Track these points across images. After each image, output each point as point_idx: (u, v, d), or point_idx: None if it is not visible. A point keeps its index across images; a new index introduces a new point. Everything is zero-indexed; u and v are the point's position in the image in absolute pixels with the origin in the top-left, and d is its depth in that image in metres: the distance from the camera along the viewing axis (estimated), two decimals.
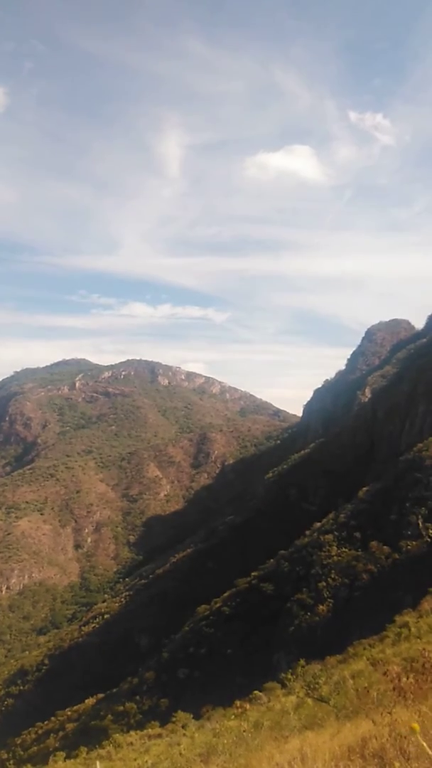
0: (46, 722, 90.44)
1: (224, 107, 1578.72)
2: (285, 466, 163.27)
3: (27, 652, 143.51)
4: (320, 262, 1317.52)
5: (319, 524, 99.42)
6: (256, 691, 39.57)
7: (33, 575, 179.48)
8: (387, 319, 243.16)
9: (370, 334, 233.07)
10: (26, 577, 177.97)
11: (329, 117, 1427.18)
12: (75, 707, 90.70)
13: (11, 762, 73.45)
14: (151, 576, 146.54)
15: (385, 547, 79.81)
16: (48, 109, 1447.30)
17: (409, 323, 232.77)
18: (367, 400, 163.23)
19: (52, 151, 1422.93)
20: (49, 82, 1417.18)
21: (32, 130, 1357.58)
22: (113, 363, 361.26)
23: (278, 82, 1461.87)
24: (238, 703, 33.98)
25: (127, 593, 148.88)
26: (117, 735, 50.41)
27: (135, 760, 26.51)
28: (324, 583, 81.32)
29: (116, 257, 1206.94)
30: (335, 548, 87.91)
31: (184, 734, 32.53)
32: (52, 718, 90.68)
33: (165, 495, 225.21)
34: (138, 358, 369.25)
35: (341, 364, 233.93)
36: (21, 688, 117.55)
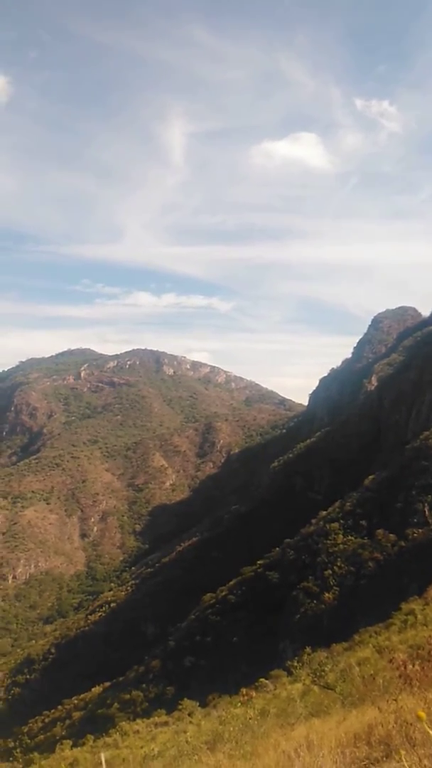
0: (52, 711, 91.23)
1: (228, 95, 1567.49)
2: (290, 456, 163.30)
3: (33, 641, 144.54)
4: (326, 249, 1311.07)
5: (324, 513, 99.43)
6: (262, 679, 39.56)
7: (39, 564, 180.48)
8: (393, 307, 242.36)
9: (376, 322, 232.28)
10: (32, 566, 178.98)
11: (334, 104, 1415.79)
12: (81, 696, 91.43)
13: (18, 750, 73.87)
14: (156, 565, 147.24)
15: (391, 535, 79.77)
16: (51, 98, 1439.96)
17: (415, 311, 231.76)
18: (373, 388, 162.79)
19: (55, 141, 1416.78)
20: (52, 72, 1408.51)
21: (35, 119, 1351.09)
22: (118, 353, 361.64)
23: (283, 70, 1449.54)
24: (244, 690, 33.88)
25: (133, 582, 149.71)
26: (123, 723, 50.57)
27: (141, 747, 26.44)
28: (330, 571, 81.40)
29: (120, 246, 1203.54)
30: (341, 536, 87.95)
31: (191, 722, 32.53)
32: (59, 707, 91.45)
33: (170, 484, 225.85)
34: (143, 348, 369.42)
35: (347, 353, 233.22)
36: (28, 677, 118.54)
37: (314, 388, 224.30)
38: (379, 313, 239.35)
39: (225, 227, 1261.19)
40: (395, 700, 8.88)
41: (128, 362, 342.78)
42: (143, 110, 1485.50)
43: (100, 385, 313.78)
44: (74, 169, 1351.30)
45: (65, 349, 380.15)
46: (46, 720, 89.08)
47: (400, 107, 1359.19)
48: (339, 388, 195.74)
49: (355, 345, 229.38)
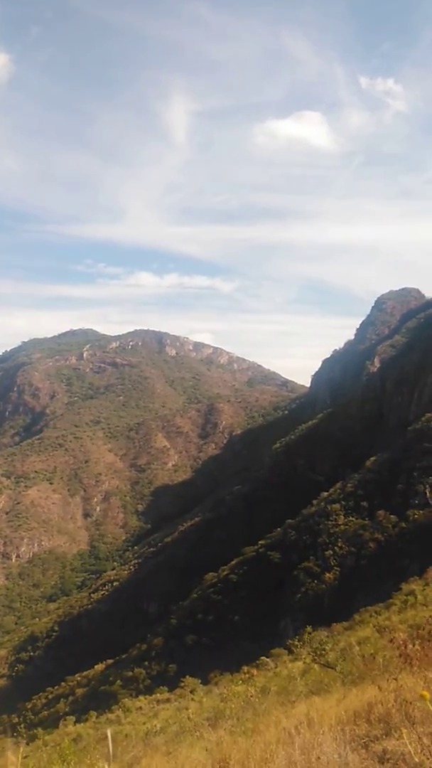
0: (56, 687, 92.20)
1: (232, 73, 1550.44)
2: (292, 437, 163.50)
3: (37, 619, 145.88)
4: (329, 230, 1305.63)
5: (326, 494, 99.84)
6: (263, 657, 39.96)
7: (43, 543, 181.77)
8: (397, 288, 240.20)
9: (379, 303, 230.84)
10: (36, 545, 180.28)
11: (339, 82, 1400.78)
12: (85, 673, 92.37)
13: (22, 726, 75.01)
14: (159, 544, 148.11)
15: (392, 516, 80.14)
16: (53, 77, 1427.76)
17: (419, 292, 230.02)
18: (375, 370, 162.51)
19: (57, 120, 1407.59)
20: (55, 50, 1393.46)
21: (38, 98, 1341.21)
22: (121, 333, 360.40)
23: (287, 47, 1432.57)
24: (245, 668, 34.31)
25: (135, 561, 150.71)
26: (126, 700, 51.24)
27: (144, 724, 26.82)
28: (331, 552, 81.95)
29: (122, 226, 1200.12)
30: (342, 517, 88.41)
31: (192, 699, 32.91)
32: (63, 684, 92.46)
33: (173, 465, 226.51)
34: (145, 329, 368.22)
35: (350, 334, 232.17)
36: (31, 654, 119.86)
37: (317, 370, 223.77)
38: (383, 295, 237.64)
39: (228, 207, 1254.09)
40: (395, 679, 8.94)
41: (131, 343, 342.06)
42: (145, 89, 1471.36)
43: (103, 365, 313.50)
44: (76, 148, 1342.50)
45: (68, 330, 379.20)
46: (50, 696, 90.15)
47: (406, 85, 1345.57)
48: (341, 369, 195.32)
49: (358, 326, 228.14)
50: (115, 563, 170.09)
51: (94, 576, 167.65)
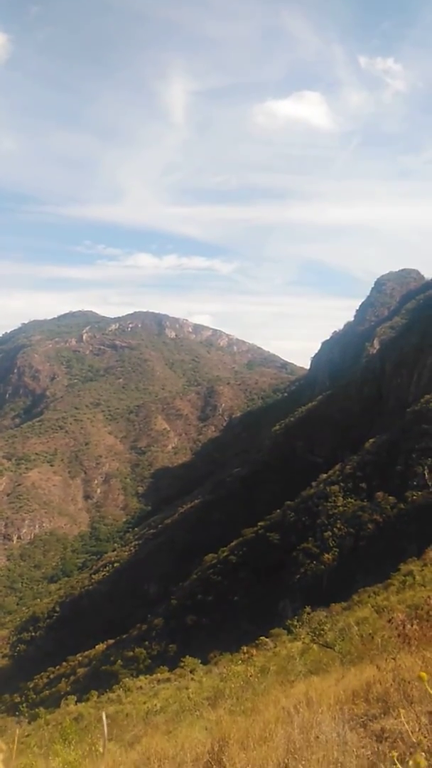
0: (57, 667, 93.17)
1: (231, 52, 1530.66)
2: (292, 419, 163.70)
3: (38, 600, 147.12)
4: (329, 211, 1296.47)
5: (325, 476, 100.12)
6: (262, 637, 40.30)
7: (44, 525, 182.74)
8: (397, 269, 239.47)
9: (379, 285, 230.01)
10: (37, 526, 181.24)
11: (338, 62, 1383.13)
12: (86, 653, 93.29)
13: (24, 705, 75.72)
14: (159, 526, 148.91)
15: (390, 497, 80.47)
16: (51, 56, 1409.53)
17: (419, 273, 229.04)
18: (375, 351, 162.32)
19: (56, 100, 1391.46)
20: (54, 29, 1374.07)
21: (36, 77, 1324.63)
22: (120, 315, 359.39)
23: (286, 26, 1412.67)
24: (244, 648, 34.59)
25: (136, 542, 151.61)
26: (127, 679, 51.65)
27: (144, 703, 27.08)
28: (330, 533, 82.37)
29: (121, 207, 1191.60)
30: (341, 499, 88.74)
31: (192, 678, 33.18)
32: (64, 663, 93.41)
33: (173, 447, 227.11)
34: (145, 311, 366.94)
35: (350, 316, 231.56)
36: (33, 634, 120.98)
37: (316, 352, 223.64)
38: (382, 276, 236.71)
39: (227, 187, 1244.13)
40: (393, 658, 9.02)
41: (130, 325, 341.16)
42: (144, 68, 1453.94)
43: (102, 347, 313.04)
44: (74, 128, 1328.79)
45: (67, 312, 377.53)
46: (51, 676, 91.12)
47: (406, 65, 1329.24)
48: (341, 351, 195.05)
49: (357, 308, 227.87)
50: (115, 544, 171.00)
51: (94, 557, 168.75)
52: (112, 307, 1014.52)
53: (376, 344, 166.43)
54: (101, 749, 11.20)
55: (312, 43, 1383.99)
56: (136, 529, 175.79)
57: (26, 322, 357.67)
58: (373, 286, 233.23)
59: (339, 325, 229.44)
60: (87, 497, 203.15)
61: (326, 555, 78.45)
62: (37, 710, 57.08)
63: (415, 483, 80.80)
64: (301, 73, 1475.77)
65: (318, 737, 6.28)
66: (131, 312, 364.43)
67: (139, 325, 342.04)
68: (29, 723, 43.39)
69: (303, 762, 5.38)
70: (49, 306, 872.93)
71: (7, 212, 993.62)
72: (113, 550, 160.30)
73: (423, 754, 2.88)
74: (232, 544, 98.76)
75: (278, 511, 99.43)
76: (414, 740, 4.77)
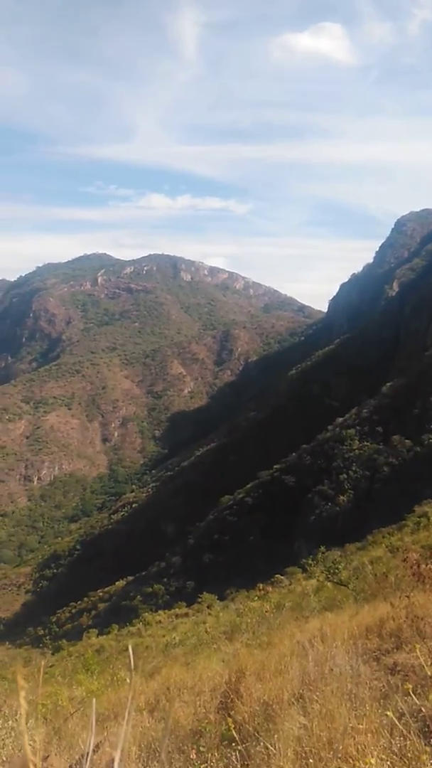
0: (79, 602, 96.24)
1: None
2: (309, 363, 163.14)
3: (59, 539, 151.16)
4: (346, 148, 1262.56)
5: (341, 419, 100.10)
6: (277, 575, 41.08)
7: (63, 467, 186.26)
8: (418, 209, 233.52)
9: (399, 225, 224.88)
10: (56, 468, 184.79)
11: None
12: (106, 589, 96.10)
13: (47, 638, 78.82)
14: (176, 468, 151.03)
15: (407, 441, 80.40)
16: None
17: None
18: (394, 294, 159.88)
19: (61, 33, 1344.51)
20: None
21: (40, 9, 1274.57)
22: (135, 258, 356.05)
23: None
24: (260, 585, 35.40)
25: (153, 484, 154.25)
26: (146, 614, 53.35)
27: (163, 636, 27.92)
28: (345, 476, 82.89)
29: (131, 145, 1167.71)
30: (357, 442, 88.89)
31: (210, 614, 34.08)
32: (85, 599, 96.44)
33: (189, 392, 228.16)
34: (159, 253, 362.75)
35: (369, 257, 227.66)
36: (55, 571, 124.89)
37: (334, 295, 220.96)
38: (403, 216, 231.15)
39: (241, 125, 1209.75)
40: (407, 596, 9.13)
41: (145, 268, 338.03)
42: None
43: (117, 291, 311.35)
44: (81, 63, 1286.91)
45: (81, 254, 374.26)
46: (73, 611, 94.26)
47: None
48: (359, 294, 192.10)
49: (377, 249, 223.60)
50: (133, 486, 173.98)
51: (113, 498, 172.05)
52: (126, 249, 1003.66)
53: (396, 287, 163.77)
54: (127, 679, 11.65)
55: None
56: (153, 471, 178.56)
57: (41, 265, 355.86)
58: (393, 226, 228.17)
59: (358, 267, 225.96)
60: (105, 440, 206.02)
61: (341, 497, 79.24)
62: (60, 642, 59.45)
63: (431, 427, 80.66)
64: (320, 2, 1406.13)
65: (332, 670, 6.45)
66: (146, 255, 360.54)
67: (154, 268, 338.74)
68: (53, 654, 45.28)
69: (317, 693, 5.54)
70: (63, 248, 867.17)
71: (17, 152, 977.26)
72: (131, 492, 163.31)
73: None
74: (248, 486, 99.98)
75: (294, 454, 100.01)
76: (427, 674, 4.88)
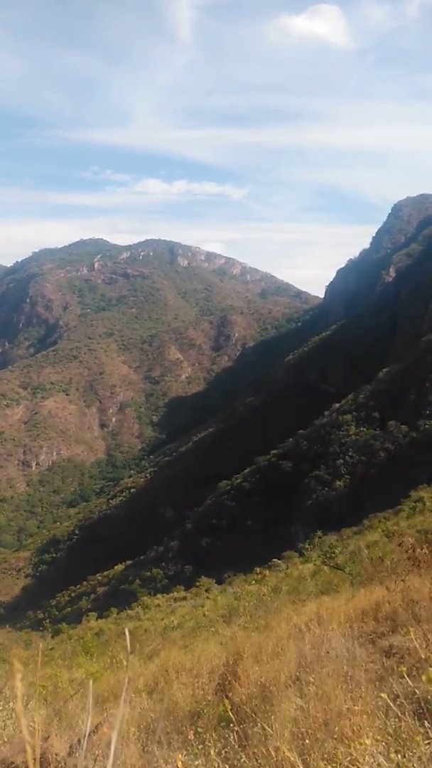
0: (78, 586, 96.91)
1: None
2: (305, 349, 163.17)
3: (58, 523, 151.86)
4: (342, 133, 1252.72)
5: (338, 405, 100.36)
6: (274, 559, 41.37)
7: (61, 452, 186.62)
8: (414, 194, 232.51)
9: (396, 210, 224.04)
10: (54, 453, 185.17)
11: None
12: (105, 573, 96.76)
13: (47, 621, 79.31)
14: (174, 454, 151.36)
15: (403, 426, 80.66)
16: None
17: None
18: (391, 280, 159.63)
19: (56, 17, 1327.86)
20: None
21: None
22: (131, 243, 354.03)
23: None
24: (257, 569, 35.72)
25: (151, 469, 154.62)
26: (145, 597, 53.78)
27: (162, 620, 28.12)
28: (341, 461, 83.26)
29: (127, 130, 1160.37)
30: (353, 428, 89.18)
31: (208, 597, 34.29)
32: (84, 583, 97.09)
33: (186, 377, 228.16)
34: (156, 238, 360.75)
35: (366, 243, 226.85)
36: (54, 555, 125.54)
37: (331, 280, 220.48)
38: (399, 201, 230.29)
39: (237, 109, 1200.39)
40: (403, 580, 9.19)
41: (141, 253, 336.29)
42: None
43: (114, 276, 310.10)
44: (76, 47, 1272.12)
45: (77, 240, 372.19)
46: (73, 594, 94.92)
47: None
48: (356, 279, 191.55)
49: (373, 235, 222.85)
50: (131, 471, 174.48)
51: (111, 483, 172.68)
52: (123, 234, 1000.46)
53: (392, 272, 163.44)
54: (124, 661, 11.77)
55: None
56: (151, 456, 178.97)
57: (37, 250, 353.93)
58: (389, 212, 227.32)
59: (355, 253, 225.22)
60: (103, 426, 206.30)
61: (338, 482, 79.64)
62: (59, 626, 59.86)
63: (427, 412, 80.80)
64: None
65: (328, 652, 6.53)
66: (143, 240, 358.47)
67: (151, 254, 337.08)
68: (52, 637, 45.58)
69: (314, 675, 5.62)
70: (59, 234, 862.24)
71: (13, 137, 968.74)
72: (129, 477, 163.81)
73: None
74: (245, 471, 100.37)
75: (291, 439, 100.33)
76: (422, 656, 4.95)
